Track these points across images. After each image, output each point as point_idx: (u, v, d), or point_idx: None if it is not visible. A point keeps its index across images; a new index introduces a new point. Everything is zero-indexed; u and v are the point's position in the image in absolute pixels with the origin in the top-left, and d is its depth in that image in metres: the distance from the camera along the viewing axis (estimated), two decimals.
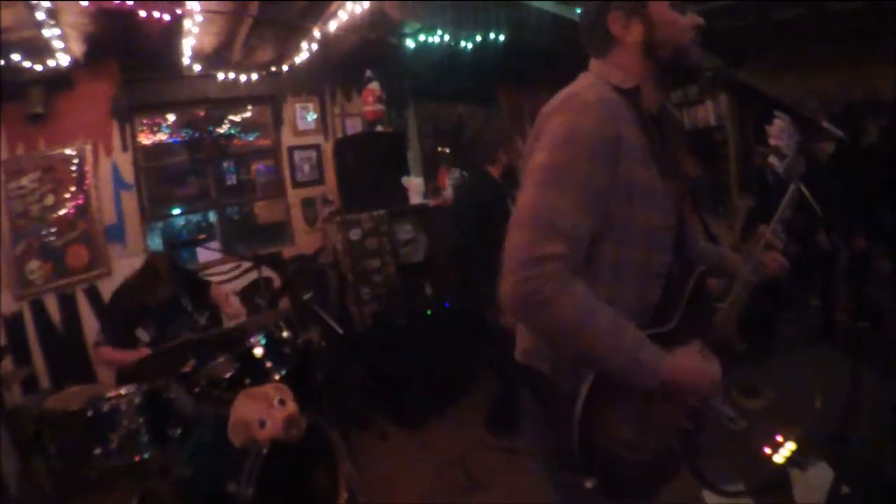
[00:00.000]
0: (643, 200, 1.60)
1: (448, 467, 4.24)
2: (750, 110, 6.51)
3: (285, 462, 3.16)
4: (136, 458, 3.37)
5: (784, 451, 3.29)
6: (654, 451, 1.62)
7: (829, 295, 5.31)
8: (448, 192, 6.53)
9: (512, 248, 1.49)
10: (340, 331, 4.11)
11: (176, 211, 6.32)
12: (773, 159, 5.04)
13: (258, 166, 6.78)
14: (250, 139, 6.73)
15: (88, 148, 5.45)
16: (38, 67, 4.79)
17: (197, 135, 6.33)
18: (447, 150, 7.54)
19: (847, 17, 5.56)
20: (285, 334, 4.02)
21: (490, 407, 4.71)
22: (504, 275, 1.48)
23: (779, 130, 5.05)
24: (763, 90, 1.73)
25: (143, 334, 3.99)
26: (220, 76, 5.97)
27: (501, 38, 6.16)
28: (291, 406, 3.19)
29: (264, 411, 3.12)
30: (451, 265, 4.62)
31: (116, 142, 5.61)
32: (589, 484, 1.53)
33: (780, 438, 3.33)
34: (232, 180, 6.61)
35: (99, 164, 5.50)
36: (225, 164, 6.55)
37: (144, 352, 3.78)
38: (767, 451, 3.32)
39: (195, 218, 6.55)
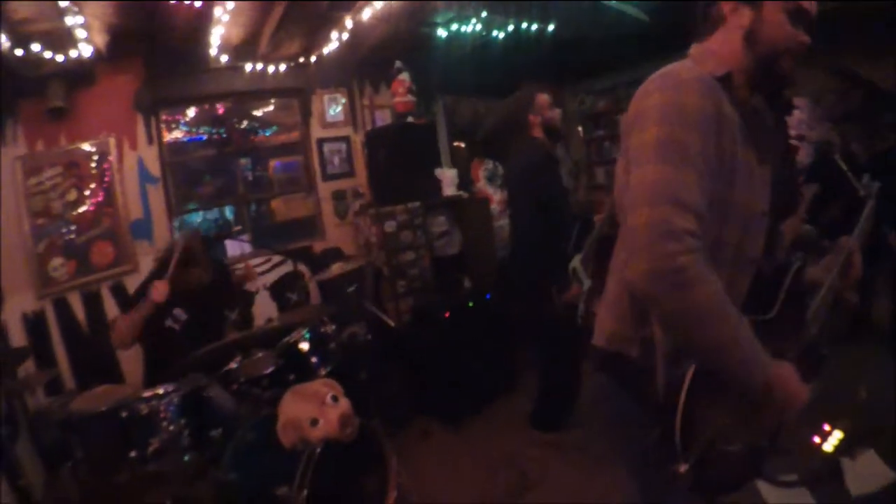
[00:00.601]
0: (743, 181, 1.60)
1: (496, 466, 4.10)
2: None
3: (337, 462, 3.03)
4: (177, 462, 3.22)
5: (833, 440, 3.28)
6: (747, 444, 1.59)
7: (870, 291, 5.23)
8: (482, 184, 6.42)
9: (643, 225, 1.43)
10: (392, 324, 3.97)
11: (198, 206, 6.21)
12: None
13: (275, 163, 6.72)
14: (267, 135, 6.65)
15: (112, 142, 5.31)
16: (60, 58, 4.64)
17: (216, 131, 6.23)
18: (462, 146, 7.40)
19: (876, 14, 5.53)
20: (330, 329, 3.87)
21: (535, 403, 4.56)
22: (634, 255, 1.44)
23: (798, 122, 5.31)
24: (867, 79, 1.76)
25: (179, 314, 3.81)
26: (248, 67, 5.83)
27: (534, 27, 6.08)
28: (345, 403, 3.04)
29: (316, 409, 2.97)
30: (511, 252, 4.45)
31: (141, 135, 5.47)
32: (682, 469, 1.49)
33: (827, 427, 3.32)
34: (249, 177, 6.55)
35: (124, 159, 5.37)
36: (243, 161, 6.46)
37: (163, 287, 3.59)
38: (817, 440, 3.31)
39: (212, 216, 6.46)
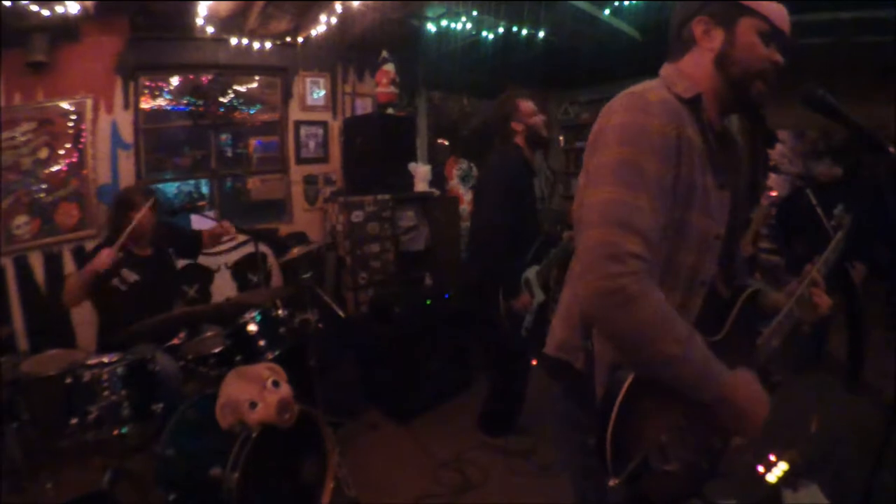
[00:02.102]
0: (699, 204, 1.59)
1: (440, 465, 4.12)
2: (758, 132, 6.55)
3: (273, 448, 3.03)
4: (115, 433, 3.16)
5: (777, 471, 3.31)
6: (684, 464, 1.58)
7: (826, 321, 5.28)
8: (455, 183, 6.42)
9: (590, 246, 1.47)
10: (342, 314, 3.96)
11: (172, 177, 6.19)
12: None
13: (256, 141, 6.65)
14: (251, 112, 6.56)
15: (89, 103, 5.25)
16: (46, 13, 4.59)
17: (197, 102, 6.15)
18: (446, 143, 7.41)
19: (867, 51, 5.60)
20: (281, 313, 3.86)
21: (483, 406, 4.57)
22: (582, 273, 1.47)
23: (780, 154, 5.40)
24: (848, 114, 1.73)
25: (127, 275, 3.75)
26: (234, 41, 5.79)
27: (524, 32, 6.08)
28: (285, 389, 3.06)
29: (256, 392, 2.98)
30: (469, 251, 4.46)
31: (118, 99, 5.42)
32: (612, 483, 1.49)
33: (773, 458, 3.35)
34: (229, 153, 6.49)
35: (98, 121, 5.31)
36: (223, 136, 6.41)
37: (108, 253, 3.49)
38: (761, 469, 3.34)
39: (187, 188, 6.40)
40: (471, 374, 5.34)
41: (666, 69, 1.75)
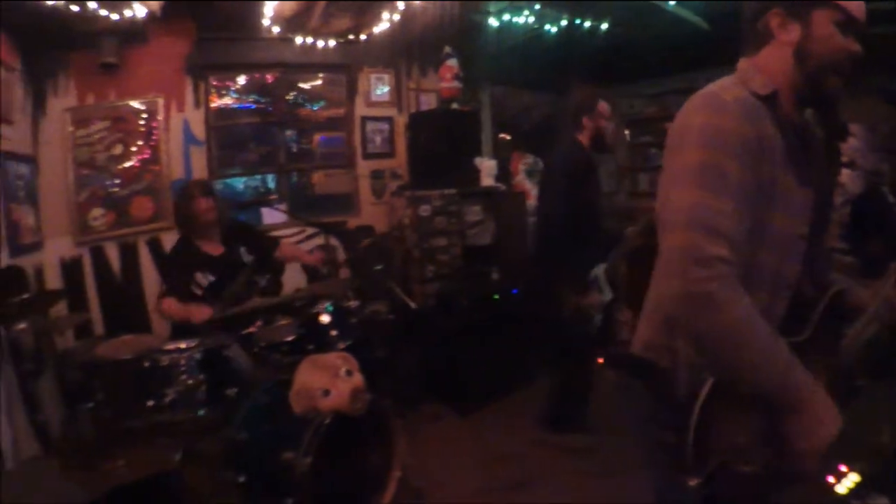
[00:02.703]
0: (782, 204, 1.58)
1: (500, 459, 4.11)
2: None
3: (343, 435, 3.07)
4: (191, 415, 3.27)
5: (847, 482, 3.17)
6: (763, 466, 1.54)
7: None
8: (521, 178, 6.39)
9: (676, 249, 1.48)
10: (414, 305, 3.99)
11: (240, 172, 6.34)
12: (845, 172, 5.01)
13: (320, 137, 6.73)
14: (314, 109, 6.66)
15: (160, 102, 5.44)
16: (114, 17, 4.73)
17: (263, 100, 6.29)
18: (508, 137, 7.38)
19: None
20: (353, 304, 3.91)
21: (547, 402, 4.54)
22: (667, 276, 1.49)
23: (852, 149, 5.13)
24: None
25: (201, 279, 3.88)
26: (298, 40, 5.88)
27: (587, 24, 6.03)
28: (358, 378, 3.09)
29: (329, 381, 3.03)
30: (534, 248, 4.43)
31: (189, 98, 5.60)
32: (692, 483, 1.49)
33: (844, 468, 3.22)
34: (294, 149, 6.59)
35: (170, 119, 5.50)
36: (288, 133, 6.52)
37: (207, 312, 3.64)
38: (831, 479, 3.21)
39: (253, 182, 6.57)
40: (533, 370, 5.30)
41: (742, 64, 1.71)
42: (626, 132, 9.18)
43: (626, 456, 3.85)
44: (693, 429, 1.48)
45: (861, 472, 2.99)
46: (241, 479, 3.10)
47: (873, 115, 5.61)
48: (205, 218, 3.94)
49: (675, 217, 1.49)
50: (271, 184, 6.47)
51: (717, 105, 1.55)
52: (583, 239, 3.95)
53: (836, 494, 2.97)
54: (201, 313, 3.63)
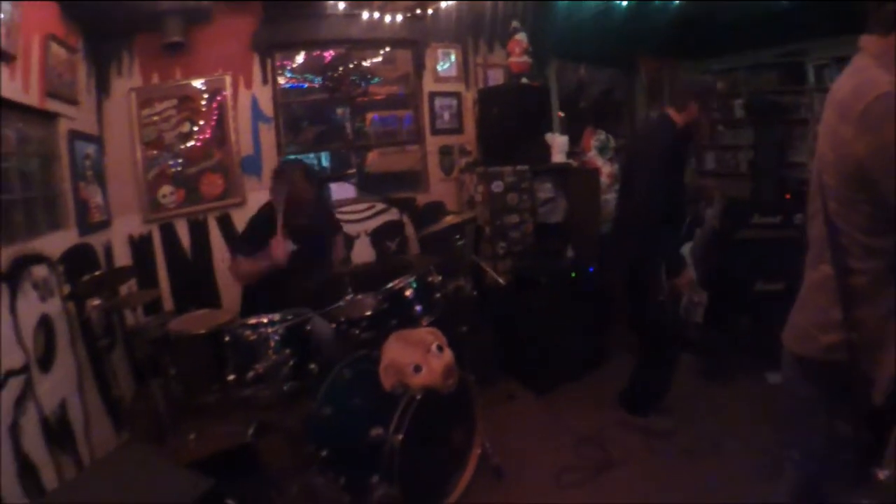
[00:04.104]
0: None
1: (579, 439, 4.01)
2: None
3: (431, 412, 3.00)
4: (276, 390, 3.23)
5: None
6: None
7: None
8: (592, 154, 6.24)
9: None
10: (502, 281, 3.89)
11: (300, 149, 6.28)
12: None
13: (373, 116, 6.74)
14: (370, 86, 6.62)
15: (228, 80, 5.42)
16: None
17: (326, 78, 6.28)
18: (562, 114, 7.21)
19: None
20: (436, 279, 3.81)
21: (628, 383, 4.39)
22: None
23: None
24: None
25: (287, 245, 3.70)
26: (364, 16, 5.78)
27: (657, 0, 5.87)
28: (449, 354, 3.03)
29: (421, 357, 2.97)
30: (622, 227, 4.29)
31: (257, 75, 5.58)
32: (882, 476, 1.53)
33: None
34: (349, 127, 6.60)
35: (238, 97, 5.49)
36: (340, 111, 6.54)
37: (283, 247, 3.56)
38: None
39: (309, 160, 6.50)
40: (608, 350, 5.21)
41: (877, 44, 1.64)
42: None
43: (707, 439, 3.86)
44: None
45: None
46: (324, 452, 3.07)
47: None
48: (301, 199, 3.82)
49: None
50: (325, 162, 6.56)
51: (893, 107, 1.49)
52: (674, 217, 3.82)
53: None
54: (279, 254, 3.55)
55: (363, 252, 5.65)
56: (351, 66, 6.46)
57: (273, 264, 3.56)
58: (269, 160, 5.56)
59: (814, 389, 1.85)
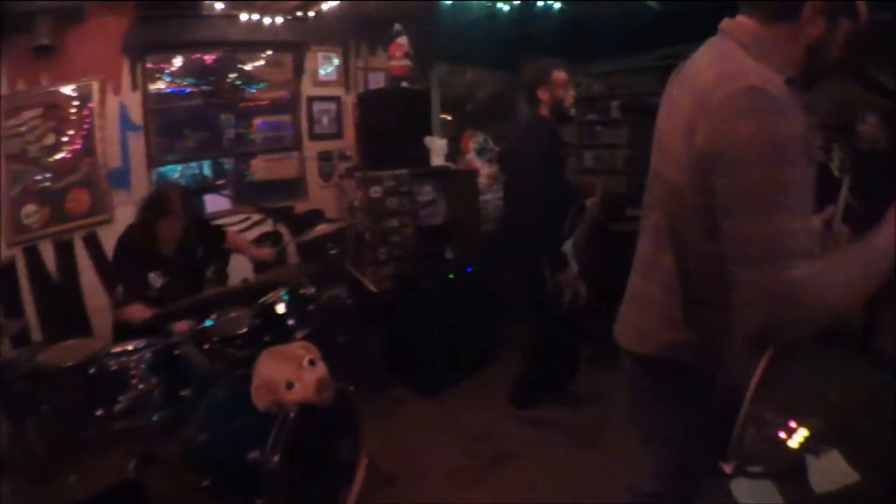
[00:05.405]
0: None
1: (471, 438, 4.08)
2: None
3: (310, 427, 2.97)
4: (145, 421, 3.14)
5: (798, 437, 3.31)
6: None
7: None
8: (471, 157, 6.32)
9: (761, 283, 1.41)
10: (373, 289, 3.89)
11: (178, 159, 6.01)
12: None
13: (259, 121, 6.45)
14: (253, 91, 6.36)
15: (95, 86, 5.09)
16: None
17: (203, 83, 6.01)
18: (449, 118, 7.29)
19: None
20: (309, 291, 3.78)
21: (515, 378, 4.54)
22: (754, 307, 1.47)
23: None
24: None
25: (154, 280, 3.66)
26: (244, 17, 5.62)
27: (540, 4, 5.98)
28: (322, 367, 3.00)
29: (293, 372, 2.92)
30: (507, 227, 4.39)
31: (126, 81, 5.27)
32: (729, 469, 1.56)
33: (793, 424, 3.36)
34: (232, 133, 6.30)
35: (106, 104, 5.15)
36: (224, 116, 6.21)
37: (141, 311, 3.43)
38: (782, 435, 3.35)
39: (189, 170, 6.18)
40: (496, 348, 5.31)
41: (753, 32, 1.56)
42: (573, 110, 9.22)
43: (599, 426, 4.02)
44: (743, 419, 1.49)
45: (810, 428, 3.13)
46: (205, 482, 2.96)
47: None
48: (176, 231, 3.73)
49: (750, 252, 1.42)
50: (207, 171, 6.20)
51: (765, 105, 1.39)
52: (557, 215, 3.95)
53: (790, 449, 3.09)
54: (137, 315, 3.42)
55: (241, 266, 5.43)
56: (234, 69, 6.23)
57: (129, 320, 3.46)
58: (139, 172, 5.29)
59: (657, 386, 1.90)
